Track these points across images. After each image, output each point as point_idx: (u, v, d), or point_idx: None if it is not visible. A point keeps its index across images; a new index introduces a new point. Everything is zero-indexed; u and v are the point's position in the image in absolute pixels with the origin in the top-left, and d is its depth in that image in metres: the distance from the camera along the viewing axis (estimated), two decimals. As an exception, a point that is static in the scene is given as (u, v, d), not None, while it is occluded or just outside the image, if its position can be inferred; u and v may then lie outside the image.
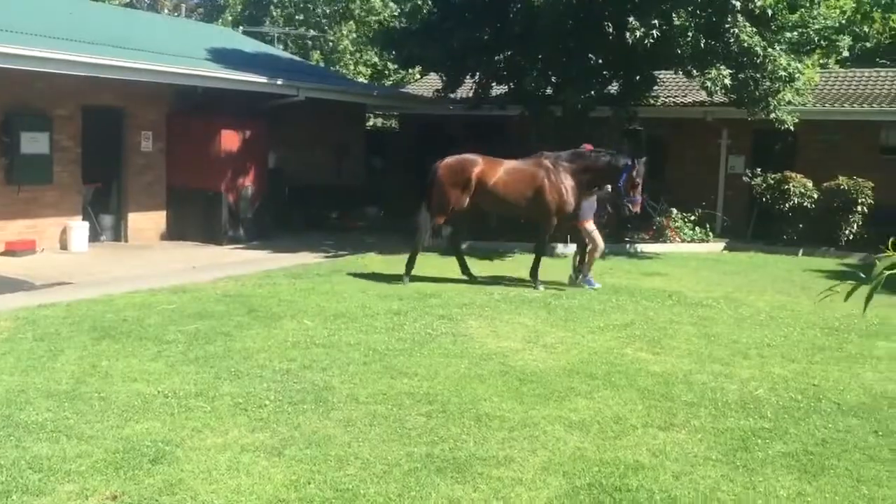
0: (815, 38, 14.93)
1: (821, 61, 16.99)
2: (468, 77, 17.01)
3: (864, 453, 5.24)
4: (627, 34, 12.99)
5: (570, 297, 10.38)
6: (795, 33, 14.63)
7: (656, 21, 13.09)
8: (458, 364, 7.04)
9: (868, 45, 28.04)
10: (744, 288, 11.70)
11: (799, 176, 16.75)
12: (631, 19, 13.09)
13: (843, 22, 15.05)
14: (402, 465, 4.78)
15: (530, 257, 14.21)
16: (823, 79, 19.19)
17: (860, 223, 16.28)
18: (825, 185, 16.50)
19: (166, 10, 35.12)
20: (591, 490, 4.52)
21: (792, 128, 15.54)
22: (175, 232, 15.09)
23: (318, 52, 34.80)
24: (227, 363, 6.83)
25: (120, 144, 14.54)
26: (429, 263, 13.17)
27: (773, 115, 15.01)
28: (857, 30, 15.78)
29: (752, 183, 17.18)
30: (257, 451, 4.95)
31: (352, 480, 4.56)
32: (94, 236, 13.91)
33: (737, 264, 14.60)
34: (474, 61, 15.67)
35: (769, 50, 13.88)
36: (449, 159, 11.77)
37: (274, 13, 34.97)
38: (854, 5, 15.07)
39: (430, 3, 18.41)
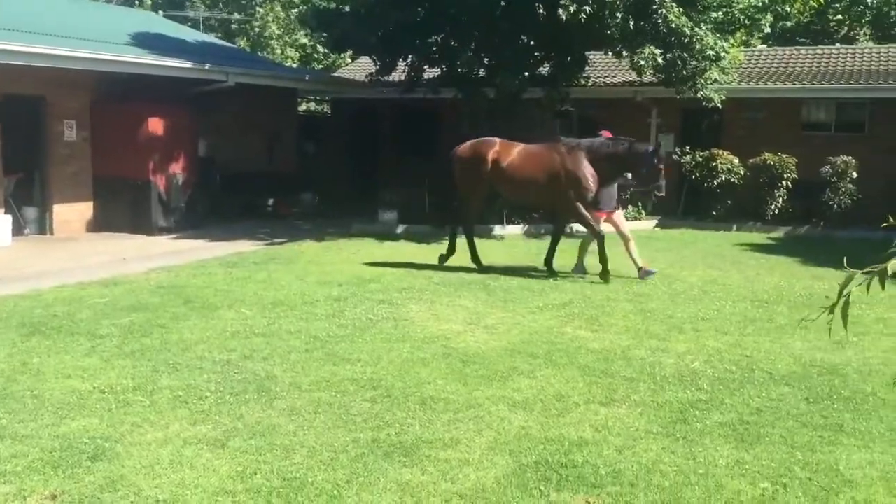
0: (740, 18, 15.24)
1: (743, 39, 17.37)
2: (401, 60, 16.91)
3: (797, 420, 5.42)
4: (560, 11, 13.05)
5: (510, 278, 10.46)
6: (720, 13, 14.93)
7: (586, -2, 13.20)
8: (400, 348, 7.04)
9: (789, 23, 28.85)
10: (676, 264, 11.97)
11: (726, 153, 17.18)
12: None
13: (766, 1, 15.36)
14: (349, 452, 4.77)
15: (465, 240, 14.36)
16: (747, 57, 19.67)
17: (785, 198, 16.80)
18: (751, 161, 16.95)
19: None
20: (538, 467, 4.57)
21: (720, 105, 15.90)
22: (103, 223, 14.69)
23: (245, 38, 34.14)
24: (164, 356, 6.69)
25: (42, 134, 14.06)
26: (365, 249, 13.12)
27: (700, 94, 15.33)
28: (779, 9, 16.16)
29: (682, 161, 17.54)
30: (200, 443, 4.87)
31: (299, 469, 4.52)
32: (18, 229, 13.43)
33: (669, 241, 14.91)
34: (407, 44, 15.60)
35: (696, 30, 14.15)
36: (467, 143, 11.58)
37: (195, -3, 34.21)
38: (776, -16, 15.47)
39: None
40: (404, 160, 20.19)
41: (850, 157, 16.37)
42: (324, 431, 5.09)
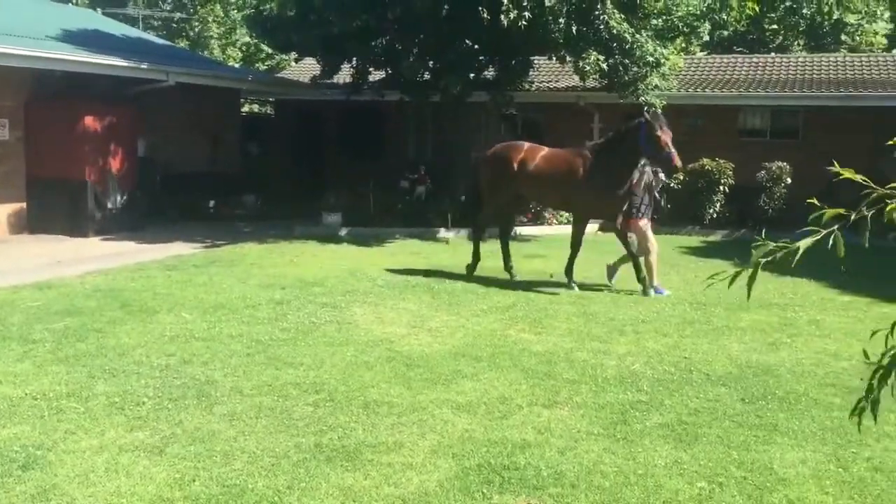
0: (679, 25, 15.55)
1: (683, 46, 17.74)
2: (346, 63, 16.83)
3: (733, 420, 5.54)
4: (502, 17, 13.15)
5: (454, 282, 10.47)
6: (661, 20, 15.21)
7: (528, 4, 13.31)
8: (343, 352, 6.99)
9: (726, 32, 29.52)
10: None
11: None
12: (505, 2, 13.26)
13: (704, 9, 15.71)
14: (291, 457, 4.72)
15: (411, 242, 14.38)
16: (687, 64, 20.09)
17: (722, 202, 17.19)
18: (690, 166, 17.28)
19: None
20: (481, 470, 4.59)
21: (660, 111, 16.18)
22: (37, 225, 14.27)
23: (185, 38, 33.60)
24: (100, 361, 6.53)
25: (-28, 133, 13.62)
26: (309, 251, 13.01)
27: (642, 99, 15.59)
28: (717, 17, 16.53)
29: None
30: (137, 450, 4.77)
31: (239, 475, 4.46)
32: (-53, 231, 13.00)
33: (611, 245, 15.05)
34: (352, 47, 15.51)
35: (637, 36, 14.38)
36: (496, 146, 11.38)
37: (134, -5, 33.59)
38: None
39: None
40: (349, 162, 20.12)
41: (784, 163, 16.83)
42: (265, 437, 5.03)
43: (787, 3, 30.98)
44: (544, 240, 15.38)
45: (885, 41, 30.54)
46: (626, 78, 15.09)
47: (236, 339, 7.31)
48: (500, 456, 4.79)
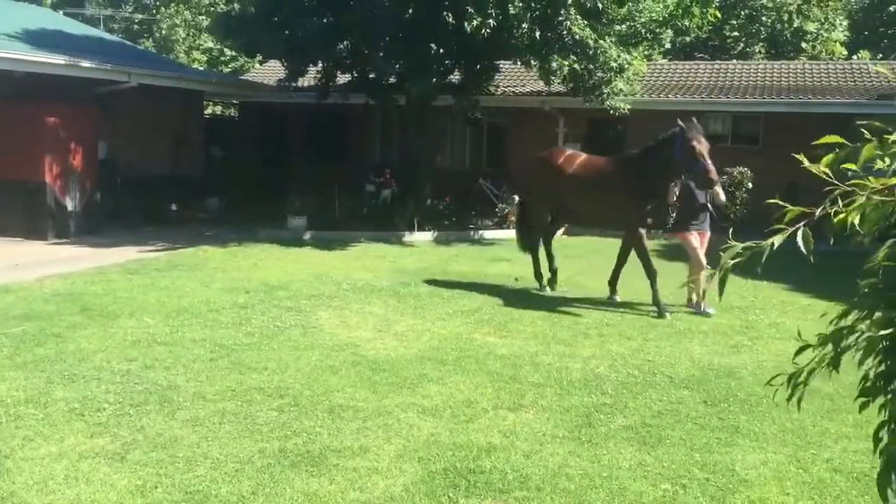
0: (642, 31, 15.71)
1: (646, 52, 17.92)
2: (311, 66, 16.75)
3: (696, 423, 5.60)
4: (466, 23, 13.20)
5: (419, 286, 10.46)
6: (624, 26, 15.35)
7: (492, 11, 13.37)
8: (308, 356, 6.95)
9: (688, 38, 29.90)
10: (583, 271, 12.20)
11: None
12: (469, 8, 13.31)
13: (667, 16, 15.89)
14: (255, 462, 4.67)
15: (376, 246, 14.34)
16: (650, 70, 20.31)
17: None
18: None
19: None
20: (447, 474, 4.58)
21: (626, 111, 16.33)
22: (-6, 228, 13.99)
23: (150, 39, 33.20)
24: (59, 366, 6.42)
25: (-73, 133, 13.32)
26: (273, 255, 12.91)
27: (607, 104, 15.72)
28: (679, 24, 16.72)
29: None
30: (97, 457, 4.69)
31: (202, 481, 4.40)
32: None
33: (576, 248, 15.20)
34: (316, 50, 15.44)
35: (600, 42, 14.50)
36: (541, 152, 11.03)
37: (97, -4, 33.12)
38: (676, 0, 16.00)
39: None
40: (314, 165, 20.02)
41: (745, 169, 17.07)
42: (229, 442, 4.97)
43: (748, 11, 31.47)
44: (509, 243, 15.41)
45: (844, 50, 31.15)
46: (591, 83, 15.21)
47: (199, 344, 7.22)
48: (466, 460, 4.79)
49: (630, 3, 15.16)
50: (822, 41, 31.10)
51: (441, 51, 15.32)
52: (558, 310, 9.27)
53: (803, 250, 1.97)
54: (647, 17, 15.53)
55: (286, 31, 14.63)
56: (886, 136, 1.93)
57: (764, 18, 31.60)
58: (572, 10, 14.07)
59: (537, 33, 13.93)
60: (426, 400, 5.90)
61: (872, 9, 34.73)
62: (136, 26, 34.36)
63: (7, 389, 5.83)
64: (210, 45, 33.49)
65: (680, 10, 16.14)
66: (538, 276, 10.69)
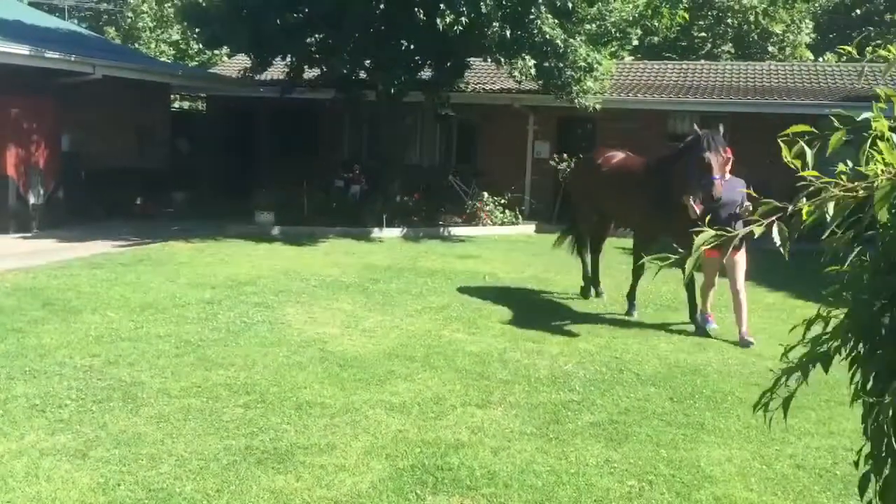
0: (612, 31, 15.79)
1: (614, 51, 18.01)
2: (279, 59, 16.61)
3: (662, 419, 5.64)
4: (438, 20, 13.18)
5: (388, 282, 10.43)
6: (594, 25, 15.42)
7: (465, 8, 13.36)
8: (276, 352, 6.89)
9: (656, 38, 30.14)
10: (551, 268, 12.23)
11: (600, 161, 17.74)
12: (441, 5, 13.29)
13: (636, 16, 16.00)
14: (221, 460, 4.62)
15: (345, 242, 14.28)
16: (619, 69, 20.42)
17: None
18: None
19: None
20: (414, 471, 4.57)
21: (597, 108, 16.39)
22: (-46, 221, 13.70)
23: (114, 28, 32.65)
24: (20, 362, 6.30)
25: None
26: (241, 250, 12.80)
27: (577, 102, 15.78)
28: (648, 24, 16.85)
29: (558, 168, 18.00)
30: (59, 454, 4.61)
31: (166, 479, 4.34)
32: None
33: (544, 246, 15.19)
34: (284, 43, 15.31)
35: (570, 41, 14.56)
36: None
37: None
38: (645, 0, 16.12)
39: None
40: (282, 160, 19.85)
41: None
42: (193, 439, 4.91)
43: (715, 12, 31.78)
44: (479, 240, 15.45)
45: (810, 54, 31.58)
46: (561, 81, 15.26)
47: (164, 340, 7.13)
48: (434, 456, 4.78)
49: (600, 3, 15.23)
50: (789, 44, 31.50)
51: (412, 47, 15.28)
52: (527, 307, 9.29)
53: (777, 242, 1.99)
54: (617, 16, 15.62)
55: (254, 23, 14.47)
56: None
57: (731, 20, 31.95)
58: (543, 9, 14.11)
59: (508, 31, 13.96)
60: (394, 397, 5.87)
61: (837, 11, 35.28)
62: (104, 15, 33.80)
63: (-35, 385, 5.71)
64: (177, 37, 33.05)
65: (649, 11, 16.27)
66: (586, 281, 10.23)
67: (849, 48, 2.23)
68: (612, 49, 17.39)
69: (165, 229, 14.65)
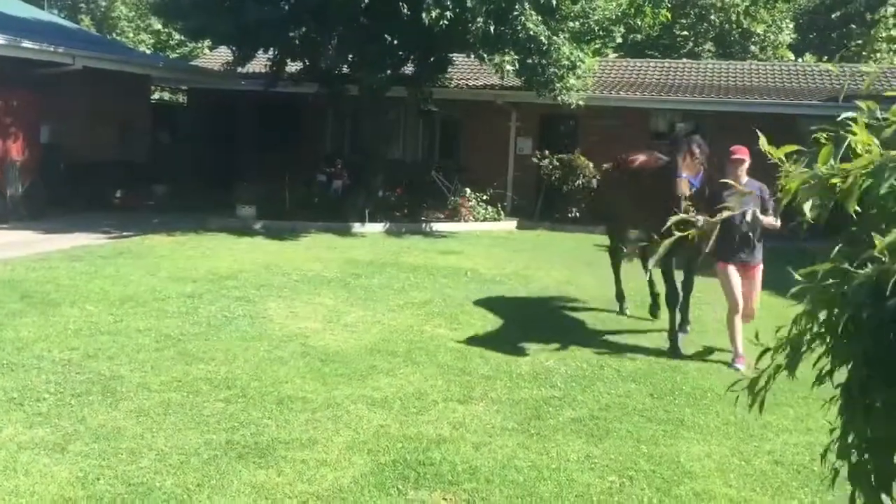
0: (595, 28, 15.83)
1: (597, 48, 18.05)
2: (262, 52, 16.52)
3: (643, 415, 5.67)
4: (423, 15, 13.15)
5: (370, 277, 10.41)
6: (578, 23, 15.45)
7: (450, 3, 13.34)
8: (257, 347, 6.86)
9: (639, 37, 30.24)
10: (533, 265, 12.27)
11: (583, 158, 17.80)
12: (426, 0, 13.26)
13: (619, 14, 16.04)
14: (201, 454, 4.60)
15: (327, 237, 14.24)
16: (601, 67, 20.48)
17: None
18: (605, 166, 17.61)
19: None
20: (396, 466, 4.57)
21: (582, 104, 16.43)
22: (-70, 212, 13.53)
23: (90, 17, 32.25)
24: (-3, 355, 6.23)
25: None
26: (222, 244, 12.73)
27: (559, 99, 15.80)
28: (631, 22, 16.91)
29: (540, 164, 18.03)
30: (37, 448, 4.57)
31: (146, 473, 4.32)
32: None
33: (526, 242, 15.29)
34: (267, 36, 15.21)
35: (553, 38, 14.57)
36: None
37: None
38: (629, -1, 16.22)
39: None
40: (264, 154, 19.75)
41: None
42: (174, 433, 4.89)
43: (697, 10, 31.93)
44: (461, 236, 15.46)
45: (791, 54, 31.81)
46: (543, 78, 15.28)
47: (144, 334, 7.08)
48: (416, 451, 4.78)
49: (584, 1, 15.26)
50: (770, 44, 31.70)
51: (395, 42, 15.23)
52: (508, 304, 9.30)
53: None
54: (600, 14, 15.65)
55: (236, 15, 14.37)
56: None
57: (713, 18, 32.11)
58: (527, 6, 14.12)
59: (492, 27, 13.95)
60: (376, 392, 5.87)
61: (817, 12, 35.54)
62: (81, 5, 33.39)
63: (-58, 378, 5.64)
64: (158, 27, 32.73)
65: (632, 9, 16.32)
66: (619, 295, 9.28)
67: (830, 65, 2.27)
68: (596, 46, 17.42)
69: (146, 222, 14.55)
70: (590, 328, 8.29)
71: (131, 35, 32.11)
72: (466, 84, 19.29)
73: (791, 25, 33.11)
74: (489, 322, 8.30)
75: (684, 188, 7.11)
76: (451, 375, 6.37)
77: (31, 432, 4.79)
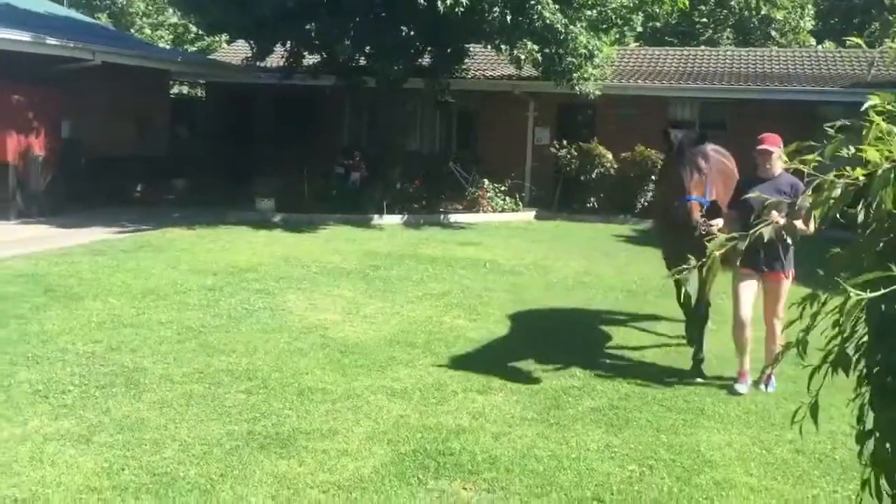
0: (612, 17, 15.74)
1: (616, 37, 17.96)
2: (279, 45, 16.57)
3: (662, 405, 5.66)
4: (439, 3, 13.12)
5: (388, 269, 10.44)
6: (595, 11, 15.37)
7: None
8: (277, 339, 6.91)
9: (658, 24, 30.02)
10: (552, 255, 12.25)
11: (601, 147, 17.74)
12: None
13: (637, 2, 15.95)
14: (224, 445, 4.65)
15: (345, 229, 14.29)
16: (619, 55, 20.36)
17: (653, 191, 17.49)
18: (623, 156, 17.55)
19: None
20: (416, 456, 4.59)
21: (599, 93, 16.36)
22: (-46, 207, 13.70)
23: (106, 14, 32.44)
24: (22, 348, 6.31)
25: None
26: (241, 237, 12.81)
27: (577, 88, 15.74)
28: (649, 10, 16.81)
29: (558, 154, 17.97)
30: (62, 439, 4.63)
31: (169, 463, 4.37)
32: None
33: (545, 233, 15.27)
34: (284, 29, 15.26)
35: (570, 27, 14.51)
36: None
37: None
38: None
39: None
40: (282, 147, 19.82)
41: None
42: (196, 424, 4.94)
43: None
44: (479, 227, 15.45)
45: (812, 39, 31.47)
46: (561, 67, 15.22)
47: (166, 326, 7.15)
48: (436, 441, 4.80)
49: (601, -11, 15.19)
50: (790, 29, 31.38)
51: (412, 33, 15.23)
52: (527, 294, 9.30)
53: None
54: (617, 2, 15.56)
55: (253, 8, 14.41)
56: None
57: (732, 4, 31.82)
58: (544, -6, 14.06)
59: (508, 16, 13.91)
60: (395, 382, 5.90)
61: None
62: (95, 2, 33.54)
63: (-31, 371, 5.73)
64: (175, 20, 32.88)
65: (651, -3, 16.23)
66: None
67: (857, 39, 2.24)
68: (615, 36, 17.33)
69: (166, 216, 14.66)
70: (608, 318, 8.28)
71: (148, 31, 32.28)
72: (483, 75, 19.26)
73: (812, 11, 32.74)
74: (508, 313, 8.30)
75: (696, 215, 6.08)
76: (469, 366, 6.38)
77: (56, 424, 4.86)
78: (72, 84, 15.09)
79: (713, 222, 6.04)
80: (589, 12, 15.26)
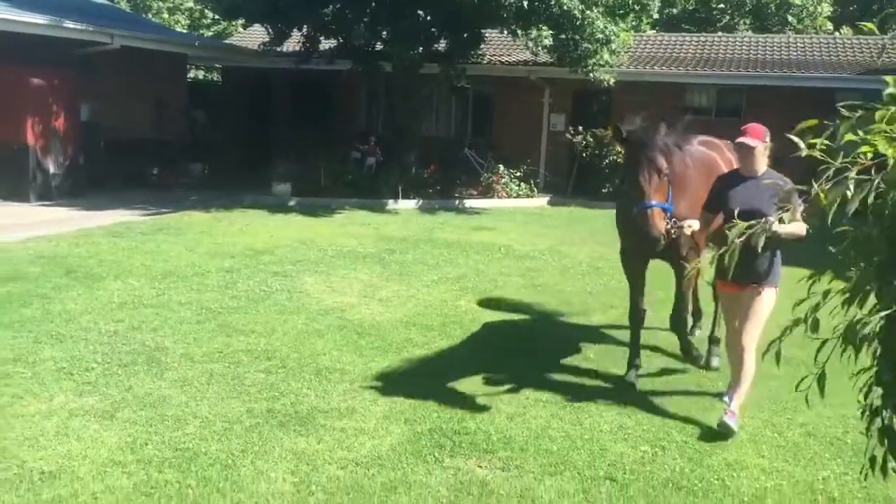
0: (629, 2, 15.68)
1: (633, 23, 17.89)
2: (296, 30, 16.62)
3: (675, 387, 5.72)
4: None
5: (404, 253, 10.52)
6: (612, -3, 15.32)
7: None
8: (295, 320, 7.01)
9: (675, 10, 29.83)
10: (566, 241, 12.29)
11: (616, 134, 17.70)
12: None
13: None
14: (244, 422, 4.75)
15: (361, 213, 14.37)
16: (636, 42, 20.28)
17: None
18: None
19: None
20: (432, 435, 4.68)
21: (613, 82, 16.33)
22: (-25, 189, 13.86)
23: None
24: (46, 327, 6.44)
25: None
26: (258, 220, 12.91)
27: (592, 75, 15.71)
28: (667, -5, 16.80)
29: (573, 140, 17.96)
30: (87, 415, 4.75)
31: (191, 439, 4.48)
32: None
33: (559, 218, 15.29)
34: (300, 13, 15.31)
35: (587, 13, 14.48)
36: None
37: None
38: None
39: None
40: (298, 132, 19.91)
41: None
42: (217, 402, 5.05)
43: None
44: (494, 212, 15.50)
45: (830, 25, 31.19)
46: (577, 53, 15.19)
47: (186, 307, 7.27)
48: (451, 421, 4.89)
49: (618, -26, 15.13)
50: (808, 15, 31.10)
51: (428, 17, 15.24)
52: (542, 279, 9.36)
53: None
54: (634, -13, 15.50)
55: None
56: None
57: (750, -10, 31.56)
58: (560, -21, 14.03)
59: (525, 2, 13.89)
60: (411, 364, 5.98)
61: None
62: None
63: (-6, 349, 5.86)
64: (191, 4, 32.96)
65: (668, -19, 16.12)
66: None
67: (870, 25, 2.24)
68: (633, 22, 17.25)
69: (183, 199, 14.79)
70: (623, 303, 8.31)
71: (165, 15, 32.40)
72: (499, 60, 19.24)
73: (830, -3, 32.42)
74: (522, 297, 8.37)
75: (660, 224, 5.06)
76: (484, 348, 6.47)
77: (81, 400, 4.98)
78: (90, 67, 15.21)
79: (686, 223, 5.18)
80: (606, -3, 15.22)
